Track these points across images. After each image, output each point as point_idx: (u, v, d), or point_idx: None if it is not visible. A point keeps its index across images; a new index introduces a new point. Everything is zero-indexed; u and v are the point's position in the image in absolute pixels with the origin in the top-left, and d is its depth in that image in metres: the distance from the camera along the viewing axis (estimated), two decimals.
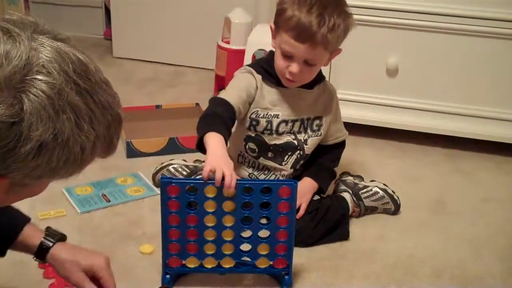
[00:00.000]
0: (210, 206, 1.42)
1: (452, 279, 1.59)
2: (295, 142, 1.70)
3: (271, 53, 1.65)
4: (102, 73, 0.95)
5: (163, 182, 1.41)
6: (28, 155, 0.85)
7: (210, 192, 1.41)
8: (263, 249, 1.48)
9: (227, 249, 1.47)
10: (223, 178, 1.37)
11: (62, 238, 1.32)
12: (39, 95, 0.83)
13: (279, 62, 1.60)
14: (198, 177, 1.79)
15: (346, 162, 2.09)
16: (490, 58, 2.13)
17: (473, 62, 2.14)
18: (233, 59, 2.48)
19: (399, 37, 2.17)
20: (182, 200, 1.42)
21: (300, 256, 1.61)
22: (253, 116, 1.67)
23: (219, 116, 1.52)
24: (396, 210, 1.84)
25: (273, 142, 1.69)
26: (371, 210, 1.83)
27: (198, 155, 1.82)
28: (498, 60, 2.12)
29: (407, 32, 2.15)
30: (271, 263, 1.50)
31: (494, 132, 2.19)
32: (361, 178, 1.87)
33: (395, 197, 1.85)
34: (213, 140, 1.45)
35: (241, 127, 1.72)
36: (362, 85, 2.27)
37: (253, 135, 1.70)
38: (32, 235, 1.29)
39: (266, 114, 1.67)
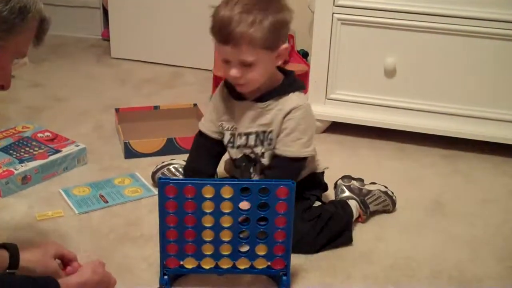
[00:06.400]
0: (208, 207, 1.42)
1: (450, 280, 1.58)
2: (252, 155, 1.69)
3: None
4: None
5: (161, 183, 1.41)
6: None
7: (208, 192, 1.41)
8: (261, 250, 1.48)
9: (225, 250, 1.47)
10: None
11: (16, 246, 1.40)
12: None
13: (223, 69, 1.61)
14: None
15: (344, 163, 2.09)
16: (488, 59, 2.13)
17: (471, 62, 2.14)
18: None
19: (397, 38, 2.17)
20: (180, 201, 1.42)
21: (298, 256, 1.60)
22: (220, 129, 1.71)
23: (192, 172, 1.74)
24: (393, 207, 1.86)
25: (234, 157, 1.71)
26: (374, 212, 1.83)
27: None
28: (496, 60, 2.12)
29: (405, 32, 2.16)
30: (269, 263, 1.49)
31: (492, 133, 2.19)
32: (362, 181, 1.87)
33: (394, 197, 1.85)
34: None
35: None
36: (360, 86, 2.27)
37: (226, 148, 1.74)
38: None
39: (230, 127, 1.69)
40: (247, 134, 1.67)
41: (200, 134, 1.77)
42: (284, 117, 1.62)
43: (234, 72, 1.56)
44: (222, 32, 1.51)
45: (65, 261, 1.47)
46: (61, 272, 1.44)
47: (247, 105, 1.65)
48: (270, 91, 1.64)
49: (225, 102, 1.70)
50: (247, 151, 1.69)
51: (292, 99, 1.63)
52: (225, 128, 1.70)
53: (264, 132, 1.65)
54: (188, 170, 1.78)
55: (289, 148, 1.63)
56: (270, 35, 1.52)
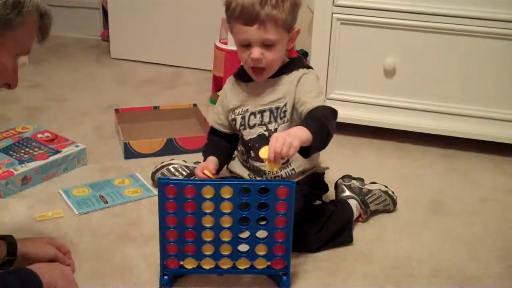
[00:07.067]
0: (207, 207, 1.42)
1: (449, 279, 1.59)
2: (266, 133, 1.69)
3: None
4: None
5: (161, 183, 1.41)
6: None
7: (207, 193, 1.41)
8: (261, 250, 1.48)
9: (225, 250, 1.47)
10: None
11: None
12: None
13: (241, 55, 1.64)
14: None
15: (344, 163, 2.09)
16: (487, 58, 2.13)
17: (471, 62, 2.15)
18: (230, 59, 2.48)
19: (397, 37, 2.17)
20: (180, 201, 1.42)
21: (298, 256, 1.61)
22: (232, 116, 1.73)
23: (209, 150, 1.77)
24: (393, 207, 1.86)
25: (248, 138, 1.71)
26: (374, 212, 1.84)
27: (198, 157, 1.82)
28: (495, 60, 2.12)
29: (405, 32, 2.16)
30: (269, 263, 1.49)
31: (491, 132, 2.20)
32: (362, 180, 1.87)
33: (394, 197, 1.86)
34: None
35: None
36: (360, 86, 2.27)
37: (239, 136, 1.74)
38: None
39: (241, 111, 1.72)
40: (261, 112, 1.69)
41: (210, 128, 1.83)
42: (297, 83, 1.66)
43: (256, 52, 1.59)
44: (247, 13, 1.55)
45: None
46: (61, 255, 1.49)
47: (260, 84, 1.69)
48: (281, 67, 1.68)
49: (235, 88, 1.74)
50: (262, 129, 1.70)
51: (304, 71, 1.68)
52: (236, 114, 1.72)
53: (277, 108, 1.67)
54: (206, 150, 1.78)
55: (312, 104, 1.61)
56: (289, 16, 1.59)
